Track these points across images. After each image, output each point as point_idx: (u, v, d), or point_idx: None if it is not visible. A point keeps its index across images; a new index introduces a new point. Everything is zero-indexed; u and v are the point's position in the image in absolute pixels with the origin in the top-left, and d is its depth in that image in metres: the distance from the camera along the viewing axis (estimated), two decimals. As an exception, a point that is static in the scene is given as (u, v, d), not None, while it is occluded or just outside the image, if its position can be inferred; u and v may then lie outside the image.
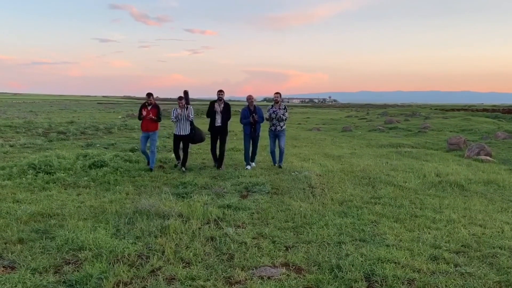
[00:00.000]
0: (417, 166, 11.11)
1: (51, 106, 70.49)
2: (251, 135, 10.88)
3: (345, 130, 27.72)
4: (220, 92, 10.82)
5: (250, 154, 11.07)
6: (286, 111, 10.95)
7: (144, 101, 10.85)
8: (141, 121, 10.64)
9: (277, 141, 11.04)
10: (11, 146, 15.82)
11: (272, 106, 11.03)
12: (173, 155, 11.67)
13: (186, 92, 10.77)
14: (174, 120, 10.65)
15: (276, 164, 10.96)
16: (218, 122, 10.78)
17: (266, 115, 10.88)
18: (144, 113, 10.45)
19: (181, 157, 10.77)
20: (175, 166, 10.83)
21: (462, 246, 5.21)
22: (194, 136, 10.71)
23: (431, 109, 71.57)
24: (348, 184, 8.72)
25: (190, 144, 10.90)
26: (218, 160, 10.87)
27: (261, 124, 10.95)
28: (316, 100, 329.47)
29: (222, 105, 10.81)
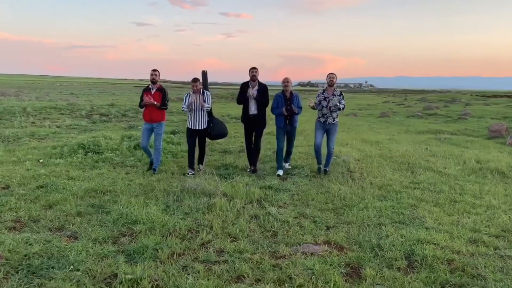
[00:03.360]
0: (457, 152, 11.03)
1: (90, 89, 72.41)
2: (285, 128, 8.42)
3: (383, 116, 27.43)
4: (254, 69, 8.39)
5: (284, 154, 8.74)
6: (343, 98, 8.29)
7: (147, 84, 8.57)
8: (142, 109, 8.44)
9: (325, 138, 8.50)
10: (57, 127, 16.60)
11: (324, 90, 8.37)
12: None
13: (204, 73, 8.63)
14: (186, 109, 8.27)
15: (322, 168, 8.46)
16: (253, 110, 8.38)
17: (311, 103, 8.40)
18: (146, 98, 8.11)
19: (195, 163, 8.54)
20: (184, 174, 8.14)
21: (502, 230, 5.28)
22: (213, 130, 8.46)
23: (471, 95, 69.45)
24: (387, 169, 8.80)
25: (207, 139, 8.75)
26: (252, 159, 8.68)
27: (298, 115, 8.50)
28: (352, 85, 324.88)
29: (257, 88, 8.36)
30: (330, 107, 8.18)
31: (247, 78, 8.51)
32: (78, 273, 3.89)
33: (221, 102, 42.27)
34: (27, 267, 3.99)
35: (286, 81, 8.36)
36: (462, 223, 5.54)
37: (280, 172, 8.38)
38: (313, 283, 3.80)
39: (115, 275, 3.86)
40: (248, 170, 8.55)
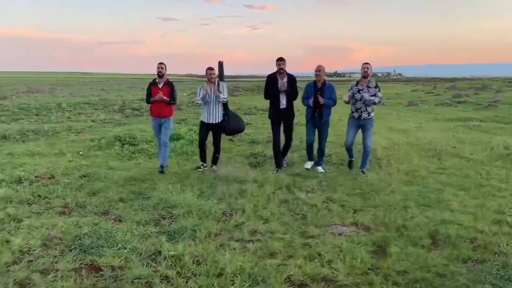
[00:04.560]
0: (485, 139, 11.03)
1: (120, 84, 73.86)
2: (314, 122, 7.78)
3: (411, 105, 27.19)
4: (280, 61, 7.62)
5: (314, 149, 8.15)
6: (379, 90, 7.48)
7: (153, 78, 8.15)
8: (149, 104, 8.01)
9: (359, 134, 7.80)
10: (92, 121, 17.26)
11: (358, 83, 7.57)
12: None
13: (220, 64, 8.05)
14: (201, 102, 7.76)
15: (352, 159, 7.90)
16: (283, 103, 7.69)
17: (345, 97, 7.65)
18: (160, 94, 7.70)
19: (209, 163, 8.08)
20: (197, 168, 7.90)
21: (526, 212, 5.43)
22: (228, 125, 7.90)
23: (503, 82, 67.59)
24: (414, 156, 8.94)
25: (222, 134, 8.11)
26: (282, 152, 8.10)
27: (331, 108, 7.80)
28: (380, 74, 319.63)
29: (286, 79, 7.66)
30: (364, 100, 7.35)
31: (273, 70, 7.82)
32: (125, 251, 4.28)
33: (247, 94, 42.60)
34: (79, 246, 4.42)
35: (318, 70, 7.62)
36: (486, 205, 5.70)
37: (308, 165, 8.00)
38: (341, 259, 4.08)
39: (159, 252, 4.24)
40: (275, 172, 7.68)
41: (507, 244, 4.38)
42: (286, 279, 3.70)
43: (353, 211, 5.62)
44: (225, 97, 7.76)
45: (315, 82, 7.69)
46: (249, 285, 3.59)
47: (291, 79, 7.71)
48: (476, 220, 5.12)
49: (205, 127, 7.88)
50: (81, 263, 4.03)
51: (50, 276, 3.76)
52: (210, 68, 7.72)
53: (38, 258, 4.13)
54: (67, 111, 21.02)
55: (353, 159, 7.91)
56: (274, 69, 7.83)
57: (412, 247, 4.37)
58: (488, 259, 4.08)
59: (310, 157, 8.13)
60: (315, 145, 8.10)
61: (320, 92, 7.57)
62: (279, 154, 7.98)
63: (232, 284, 3.59)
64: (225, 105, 7.87)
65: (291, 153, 9.46)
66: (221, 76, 7.95)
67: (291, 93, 7.68)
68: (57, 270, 3.87)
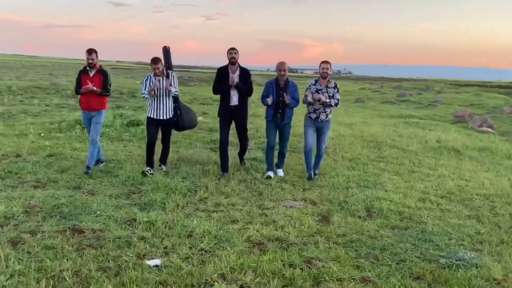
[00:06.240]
0: (421, 134, 12.23)
1: (67, 69, 71.63)
2: (276, 123, 7.01)
3: (358, 102, 28.64)
4: (233, 51, 6.73)
5: (275, 155, 7.33)
6: (338, 91, 7.00)
7: (84, 65, 7.00)
8: (79, 95, 6.94)
9: (316, 137, 7.09)
10: (47, 105, 17.20)
11: (316, 82, 7.02)
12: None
13: (166, 50, 7.03)
14: (147, 96, 6.70)
15: (310, 172, 7.02)
16: (235, 100, 6.80)
17: (309, 98, 6.81)
18: (90, 85, 6.61)
19: (155, 161, 7.01)
20: (143, 173, 6.59)
21: (447, 193, 6.44)
22: (181, 121, 7.02)
23: (445, 84, 71.62)
24: (357, 146, 9.91)
25: (173, 131, 7.28)
26: (239, 156, 7.56)
27: (293, 108, 7.05)
28: (331, 72, 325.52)
29: (238, 73, 6.80)
30: (323, 102, 6.78)
31: (226, 62, 6.87)
32: (103, 218, 4.83)
33: (202, 85, 42.86)
34: (59, 213, 4.91)
35: (283, 69, 6.88)
36: (415, 187, 6.67)
37: (270, 173, 7.04)
38: (292, 225, 4.85)
39: (134, 219, 4.82)
40: (220, 176, 6.78)
41: (427, 216, 5.32)
42: (246, 239, 4.40)
43: (302, 189, 6.41)
44: (176, 90, 6.84)
45: (277, 80, 6.97)
46: (215, 243, 4.26)
47: (245, 73, 6.89)
48: (405, 198, 6.04)
49: (154, 125, 6.88)
50: (64, 227, 4.54)
51: (38, 236, 4.25)
52: (154, 62, 6.60)
53: (23, 222, 4.60)
54: (19, 94, 20.65)
55: (311, 172, 7.05)
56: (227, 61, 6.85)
57: (350, 217, 5.21)
58: (411, 227, 4.98)
59: (270, 166, 7.17)
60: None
61: (283, 91, 6.83)
62: (227, 158, 7.05)
63: (201, 242, 4.24)
64: (175, 98, 6.92)
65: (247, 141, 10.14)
66: (169, 65, 6.92)
67: (244, 89, 6.82)
68: (43, 232, 4.36)
